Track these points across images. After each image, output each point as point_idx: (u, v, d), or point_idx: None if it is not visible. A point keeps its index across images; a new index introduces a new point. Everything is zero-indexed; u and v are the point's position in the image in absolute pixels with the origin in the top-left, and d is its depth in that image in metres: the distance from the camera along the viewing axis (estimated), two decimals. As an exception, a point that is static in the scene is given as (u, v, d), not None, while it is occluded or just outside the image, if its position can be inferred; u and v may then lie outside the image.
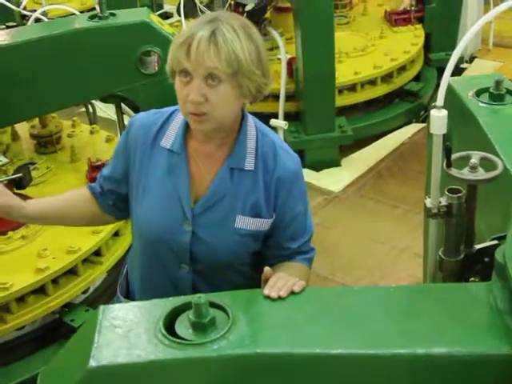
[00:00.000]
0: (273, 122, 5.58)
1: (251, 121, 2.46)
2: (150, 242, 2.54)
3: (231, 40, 2.21)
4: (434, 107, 2.22)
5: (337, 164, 6.09)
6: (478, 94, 2.80)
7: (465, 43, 2.26)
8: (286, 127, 5.63)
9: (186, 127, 2.45)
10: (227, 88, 2.24)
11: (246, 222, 2.42)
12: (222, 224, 2.42)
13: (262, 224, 2.44)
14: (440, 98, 2.20)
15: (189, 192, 2.43)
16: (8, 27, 4.33)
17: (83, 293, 3.91)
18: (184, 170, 2.44)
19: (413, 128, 6.51)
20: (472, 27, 2.31)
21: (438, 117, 2.20)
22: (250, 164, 2.41)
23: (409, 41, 6.68)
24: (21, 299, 3.59)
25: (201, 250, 2.45)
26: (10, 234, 3.81)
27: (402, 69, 6.49)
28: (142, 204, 2.50)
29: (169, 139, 2.46)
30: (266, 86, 2.36)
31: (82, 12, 5.18)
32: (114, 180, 2.61)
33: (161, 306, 1.94)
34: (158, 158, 2.47)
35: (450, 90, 2.65)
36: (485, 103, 2.76)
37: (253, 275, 2.49)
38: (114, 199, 2.65)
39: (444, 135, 2.25)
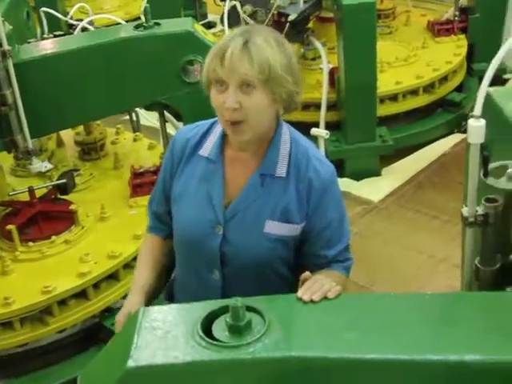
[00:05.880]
0: (314, 131, 5.57)
1: (286, 129, 2.51)
2: (184, 246, 2.60)
3: (263, 48, 2.28)
4: (472, 117, 2.22)
5: (377, 174, 6.07)
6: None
7: (503, 52, 2.25)
8: (326, 136, 5.60)
9: (223, 136, 2.52)
10: (261, 94, 2.29)
11: (275, 227, 2.46)
12: (252, 228, 2.46)
13: (292, 229, 2.47)
14: (478, 107, 2.19)
15: (222, 197, 2.49)
16: (55, 36, 4.40)
17: (123, 298, 3.95)
18: (219, 177, 2.50)
19: (454, 138, 6.45)
20: (512, 37, 2.31)
21: (476, 126, 2.19)
22: (281, 171, 2.45)
23: (451, 51, 6.64)
24: (62, 302, 3.65)
25: (230, 254, 2.49)
26: (54, 238, 3.86)
27: (444, 79, 6.44)
28: (179, 210, 2.57)
29: (207, 148, 2.54)
30: (298, 94, 2.41)
31: (127, 21, 5.25)
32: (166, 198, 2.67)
33: (199, 309, 1.98)
34: (195, 166, 2.55)
35: (490, 100, 2.64)
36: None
37: (284, 287, 2.51)
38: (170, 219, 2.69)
39: (482, 145, 2.25)
